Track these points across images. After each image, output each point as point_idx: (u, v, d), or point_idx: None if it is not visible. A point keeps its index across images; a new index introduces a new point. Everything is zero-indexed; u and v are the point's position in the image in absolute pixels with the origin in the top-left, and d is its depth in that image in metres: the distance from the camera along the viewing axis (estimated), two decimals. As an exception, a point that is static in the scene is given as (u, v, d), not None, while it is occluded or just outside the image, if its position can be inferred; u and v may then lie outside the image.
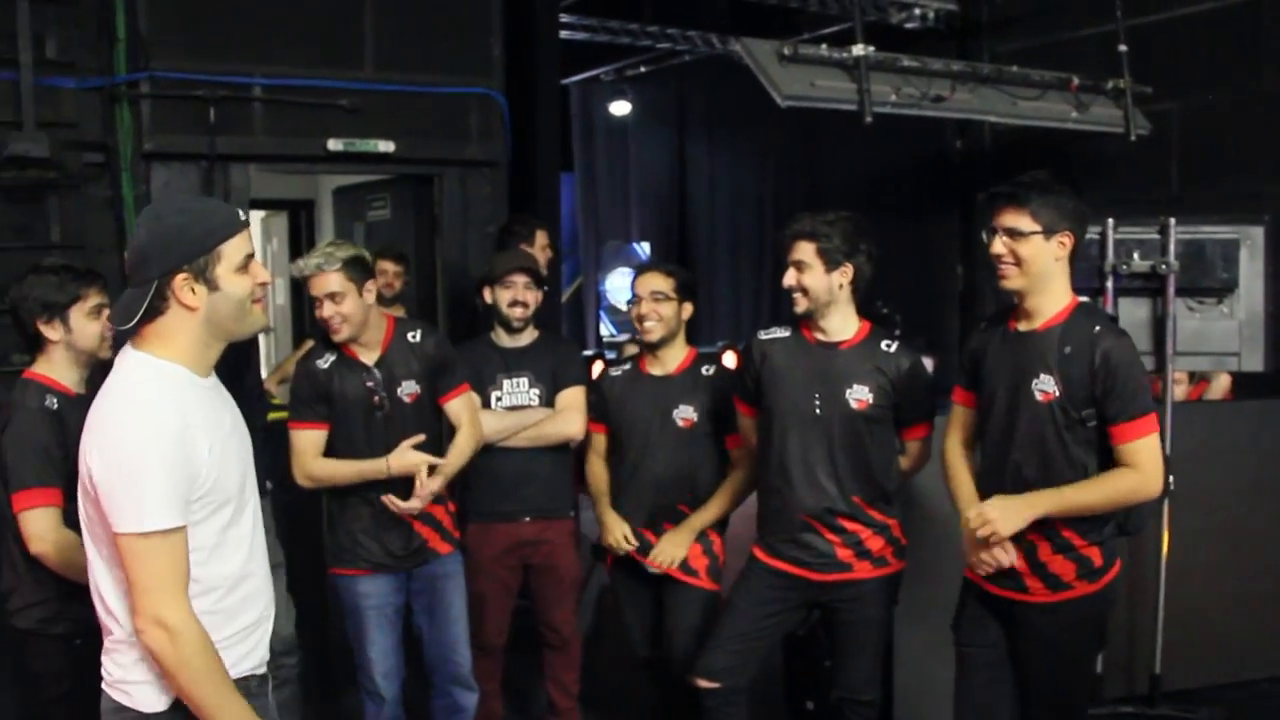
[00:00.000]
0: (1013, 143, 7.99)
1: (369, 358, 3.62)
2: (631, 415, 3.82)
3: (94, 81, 5.22)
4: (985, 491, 3.12)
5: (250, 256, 2.24)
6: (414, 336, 3.70)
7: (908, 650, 4.19)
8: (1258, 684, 4.80)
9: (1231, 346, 4.44)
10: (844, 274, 3.38)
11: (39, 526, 2.92)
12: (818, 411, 3.38)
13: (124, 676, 2.19)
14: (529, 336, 4.07)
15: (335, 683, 4.79)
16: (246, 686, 2.25)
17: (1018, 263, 2.97)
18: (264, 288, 2.27)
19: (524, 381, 4.01)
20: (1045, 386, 2.98)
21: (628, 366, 3.94)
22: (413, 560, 3.70)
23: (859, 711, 3.55)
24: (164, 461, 2.07)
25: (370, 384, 3.59)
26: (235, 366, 3.67)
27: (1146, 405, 2.95)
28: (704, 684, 3.48)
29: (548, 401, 4.02)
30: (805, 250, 3.36)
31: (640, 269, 3.89)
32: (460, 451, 3.71)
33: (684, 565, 3.76)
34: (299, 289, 9.09)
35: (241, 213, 2.28)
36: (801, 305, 3.40)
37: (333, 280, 3.50)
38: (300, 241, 9.07)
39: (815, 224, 3.36)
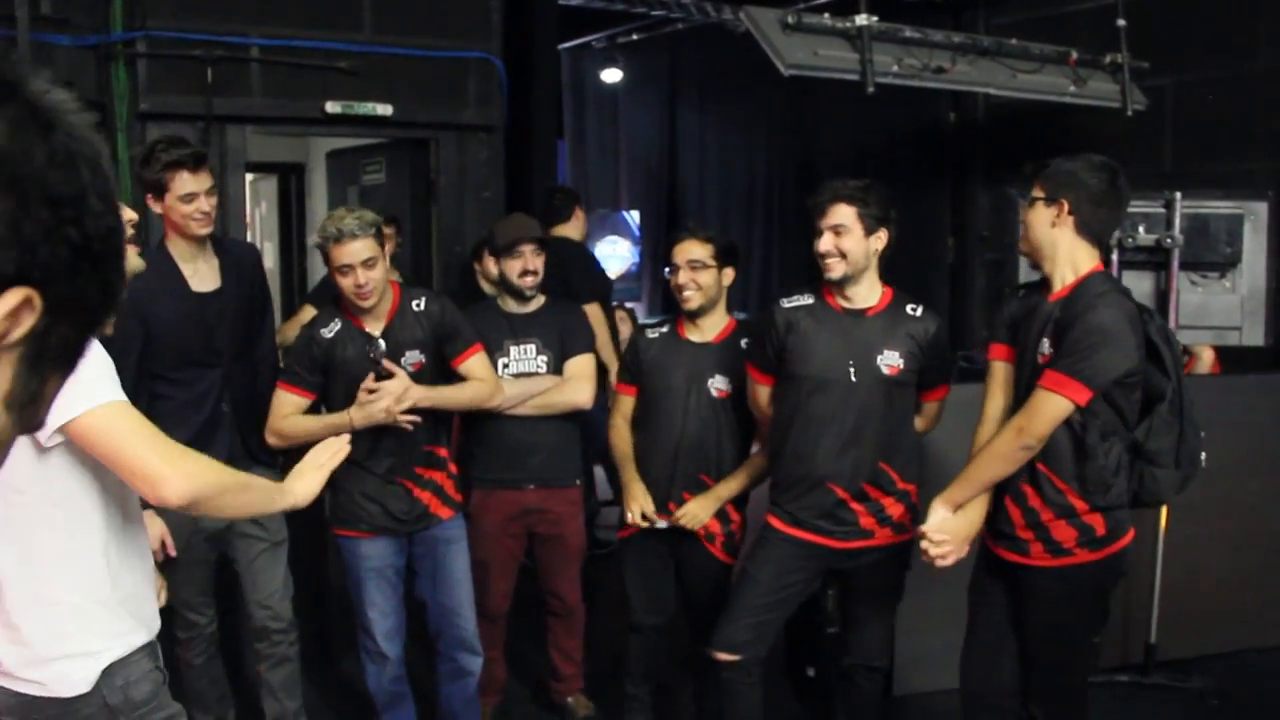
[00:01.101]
0: (1006, 116, 7.98)
1: (375, 327, 3.59)
2: (665, 380, 3.77)
3: (89, 39, 5.16)
4: None
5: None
6: (419, 305, 3.66)
7: (906, 619, 4.22)
8: (1246, 654, 4.86)
9: (1233, 320, 4.48)
10: (879, 239, 3.38)
11: None
12: (853, 379, 3.37)
13: (37, 655, 2.04)
14: (536, 303, 4.04)
15: (333, 649, 4.79)
16: (153, 648, 2.21)
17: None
18: (132, 225, 2.26)
19: (531, 348, 3.99)
20: (1044, 349, 3.03)
21: (665, 329, 3.88)
22: (414, 524, 3.69)
23: (870, 677, 3.58)
24: (94, 350, 2.03)
25: (373, 355, 3.55)
26: (246, 339, 3.65)
27: (1075, 370, 2.91)
28: (724, 657, 3.47)
29: (555, 369, 3.99)
30: (846, 214, 3.34)
31: (676, 236, 3.80)
32: (462, 390, 3.66)
33: (705, 533, 3.77)
34: (288, 252, 9.03)
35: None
36: (838, 270, 3.36)
37: (366, 246, 3.44)
38: (290, 206, 8.99)
39: (854, 188, 3.34)
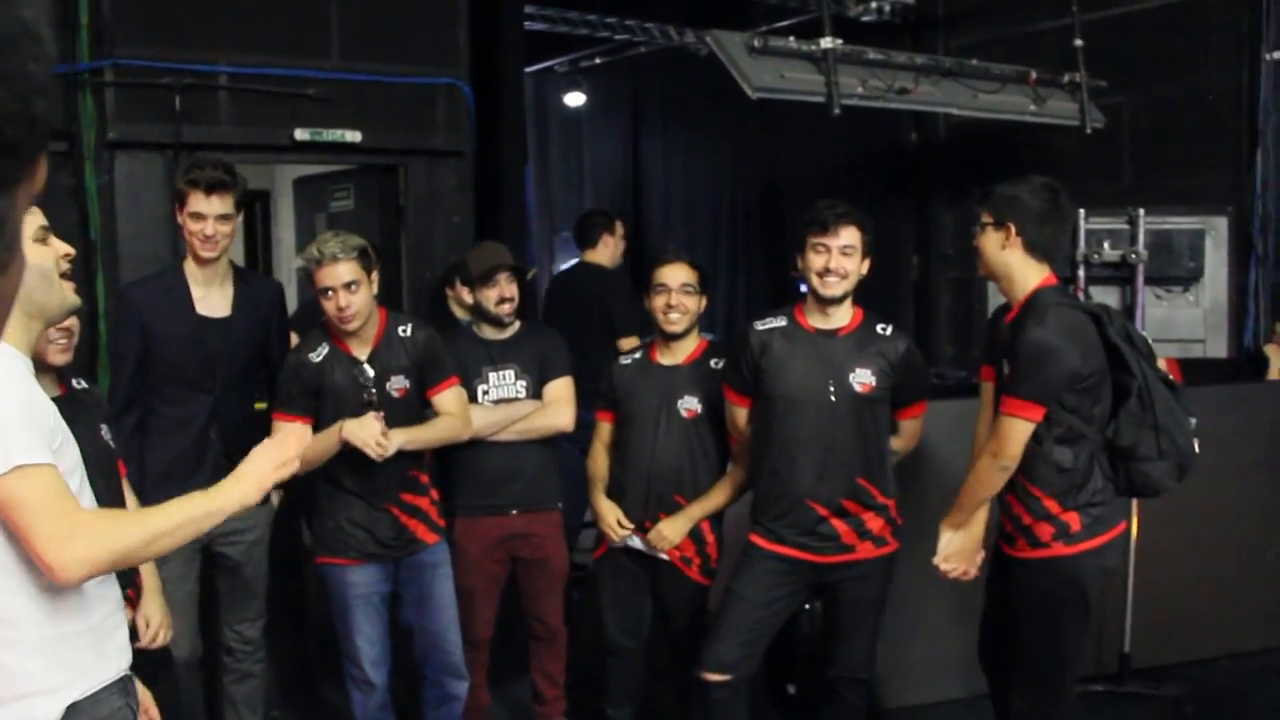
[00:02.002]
0: (967, 135, 8.10)
1: (361, 352, 3.60)
2: (638, 403, 3.83)
3: (57, 68, 5.13)
4: None
5: (47, 229, 2.17)
6: (404, 330, 3.68)
7: (890, 633, 4.25)
8: (1220, 661, 4.94)
9: (1197, 333, 4.57)
10: (866, 264, 3.51)
11: None
12: (827, 398, 3.43)
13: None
14: (512, 328, 4.06)
15: (313, 676, 4.77)
16: (124, 685, 2.14)
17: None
18: (68, 260, 2.20)
19: (510, 374, 4.00)
20: (1005, 370, 3.25)
21: (639, 355, 3.94)
22: (400, 550, 3.68)
23: (854, 690, 3.62)
24: (16, 400, 1.99)
25: (361, 379, 3.56)
26: (245, 370, 3.65)
27: (1024, 392, 3.14)
28: (714, 678, 3.50)
29: (535, 393, 4.01)
30: (854, 236, 3.45)
31: (666, 259, 3.87)
32: (436, 428, 3.68)
33: (680, 554, 3.79)
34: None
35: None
36: (839, 289, 3.45)
37: (349, 269, 3.47)
38: (255, 235, 8.95)
39: (863, 213, 3.48)
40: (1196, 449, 3.28)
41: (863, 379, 3.46)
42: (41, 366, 2.88)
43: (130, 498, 3.14)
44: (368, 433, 3.44)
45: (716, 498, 3.79)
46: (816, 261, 3.43)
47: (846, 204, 3.49)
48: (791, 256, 3.56)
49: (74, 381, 3.06)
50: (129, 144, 5.19)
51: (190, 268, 3.57)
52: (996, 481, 3.24)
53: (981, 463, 3.24)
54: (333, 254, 3.46)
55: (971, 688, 4.43)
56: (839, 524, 3.48)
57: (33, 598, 1.99)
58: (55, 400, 2.90)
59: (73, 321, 2.96)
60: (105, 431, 3.06)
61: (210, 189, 3.45)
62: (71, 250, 2.17)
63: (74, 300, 2.23)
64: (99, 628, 2.10)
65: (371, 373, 3.56)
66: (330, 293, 3.48)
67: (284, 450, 2.23)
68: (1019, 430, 3.14)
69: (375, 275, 3.58)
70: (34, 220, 2.13)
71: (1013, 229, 3.23)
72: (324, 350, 3.60)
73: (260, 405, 3.84)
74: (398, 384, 3.61)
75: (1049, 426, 3.17)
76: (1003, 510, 3.36)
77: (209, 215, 3.46)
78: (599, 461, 3.96)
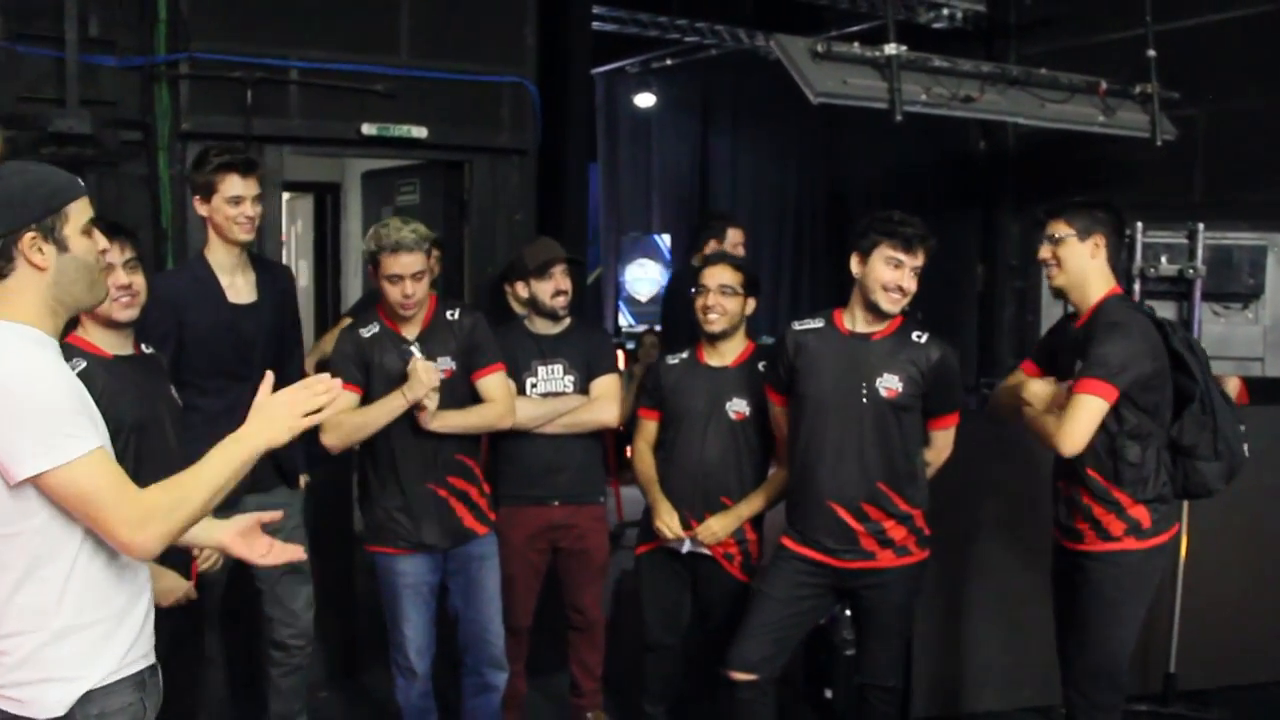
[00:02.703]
0: (1036, 145, 8.00)
1: (410, 333, 3.69)
2: (685, 404, 3.86)
3: (134, 60, 5.28)
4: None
5: (93, 222, 2.14)
6: (452, 314, 3.76)
7: (924, 641, 4.25)
8: (1268, 686, 4.84)
9: (1255, 351, 4.50)
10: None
11: None
12: (852, 400, 3.45)
13: (14, 679, 2.03)
14: (564, 324, 4.12)
15: (357, 661, 4.86)
16: (140, 680, 2.15)
17: (1058, 262, 3.48)
18: (104, 254, 2.20)
19: (559, 368, 4.06)
20: (1077, 370, 3.34)
21: (685, 355, 3.97)
22: (450, 540, 3.74)
23: (881, 697, 3.62)
24: (64, 386, 2.02)
25: (406, 359, 3.64)
26: (277, 356, 3.71)
27: (1099, 373, 3.24)
28: (740, 677, 3.54)
29: (582, 388, 4.07)
30: (922, 260, 3.51)
31: (709, 260, 3.92)
32: (474, 413, 3.72)
33: (722, 550, 3.82)
34: (323, 271, 9.16)
35: (80, 180, 2.18)
36: (899, 307, 3.52)
37: (418, 260, 3.58)
38: (325, 225, 9.13)
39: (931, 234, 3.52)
40: (1246, 453, 3.45)
41: (889, 384, 3.47)
42: (110, 324, 3.09)
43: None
44: (430, 376, 3.52)
45: (763, 497, 3.83)
46: (887, 275, 3.44)
47: (922, 223, 3.52)
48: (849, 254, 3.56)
49: (144, 346, 3.23)
50: (201, 135, 5.32)
51: (215, 256, 3.59)
52: (1044, 441, 3.36)
53: (1048, 425, 3.33)
54: (408, 245, 3.56)
55: (1009, 699, 4.42)
56: (859, 528, 3.49)
57: (57, 587, 2.04)
58: (129, 360, 3.12)
59: (136, 280, 3.11)
60: (173, 390, 3.25)
61: (245, 170, 3.52)
62: (108, 245, 2.21)
63: (122, 316, 2.37)
64: (121, 616, 2.13)
65: (419, 353, 3.63)
66: (397, 280, 3.57)
67: (312, 395, 2.25)
68: (1092, 408, 3.23)
69: (436, 265, 3.67)
70: (84, 212, 2.12)
71: (1102, 240, 3.41)
72: (374, 329, 3.69)
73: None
74: (443, 365, 3.68)
75: (1120, 422, 3.32)
76: (1069, 506, 3.46)
77: (247, 196, 3.52)
78: (647, 460, 3.99)
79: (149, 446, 3.05)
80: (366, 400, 3.68)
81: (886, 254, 3.43)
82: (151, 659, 2.20)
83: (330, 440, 3.65)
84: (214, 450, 2.18)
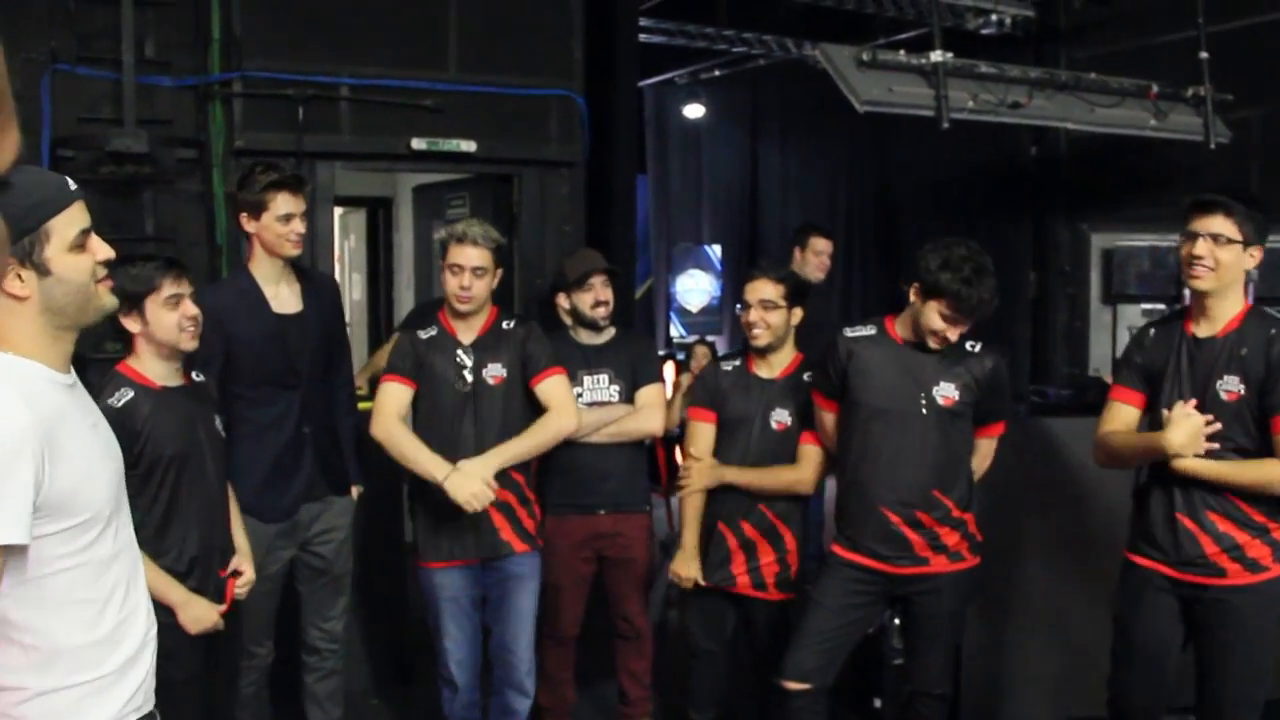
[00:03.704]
0: (1089, 150, 7.93)
1: (467, 338, 3.75)
2: (734, 411, 3.89)
3: (189, 80, 5.40)
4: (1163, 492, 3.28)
5: (87, 231, 1.92)
6: (509, 324, 3.82)
7: (974, 649, 4.22)
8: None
9: (1310, 357, 4.41)
10: None
11: None
12: (909, 409, 3.45)
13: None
14: (608, 334, 4.16)
15: (410, 668, 4.91)
16: None
17: (1215, 266, 3.17)
18: (105, 263, 1.97)
19: (604, 378, 4.10)
20: (1230, 386, 3.16)
21: (737, 363, 3.98)
22: (484, 551, 3.76)
23: (931, 705, 3.61)
24: (13, 463, 1.74)
25: (458, 359, 3.70)
26: (325, 365, 3.79)
27: None
28: (794, 686, 3.54)
29: (627, 398, 4.10)
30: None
31: (750, 275, 3.93)
32: (530, 435, 3.73)
33: (755, 580, 3.83)
34: (375, 284, 9.28)
35: (71, 182, 1.94)
36: (943, 346, 3.49)
37: (482, 256, 3.67)
38: (378, 239, 9.25)
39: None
40: None
41: (946, 393, 3.47)
42: (173, 355, 3.15)
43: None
44: (466, 492, 3.56)
45: (769, 475, 3.83)
46: (936, 324, 3.40)
47: (989, 283, 3.37)
48: (904, 272, 3.55)
49: (194, 374, 3.28)
50: (255, 152, 5.42)
51: (259, 269, 3.66)
52: (1272, 490, 3.15)
53: (1273, 472, 3.12)
54: (473, 237, 3.66)
55: (1059, 711, 4.37)
56: (912, 535, 3.48)
57: (41, 651, 1.86)
58: (178, 390, 3.17)
59: (196, 310, 3.17)
60: (218, 422, 3.30)
61: (296, 188, 3.60)
62: (111, 253, 1.97)
63: (110, 303, 2.03)
64: (113, 674, 1.94)
65: (467, 360, 3.70)
66: (457, 269, 3.65)
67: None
68: None
69: (499, 272, 3.72)
70: (73, 225, 1.90)
71: (1260, 254, 3.21)
72: (433, 331, 3.77)
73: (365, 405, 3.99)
74: (494, 372, 3.73)
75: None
76: (1203, 534, 3.21)
77: (297, 214, 3.60)
78: (697, 500, 3.91)
79: (189, 478, 3.12)
80: (416, 400, 3.75)
81: (943, 310, 3.39)
82: (149, 708, 2.04)
83: (381, 436, 3.71)
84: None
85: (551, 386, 3.78)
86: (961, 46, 6.12)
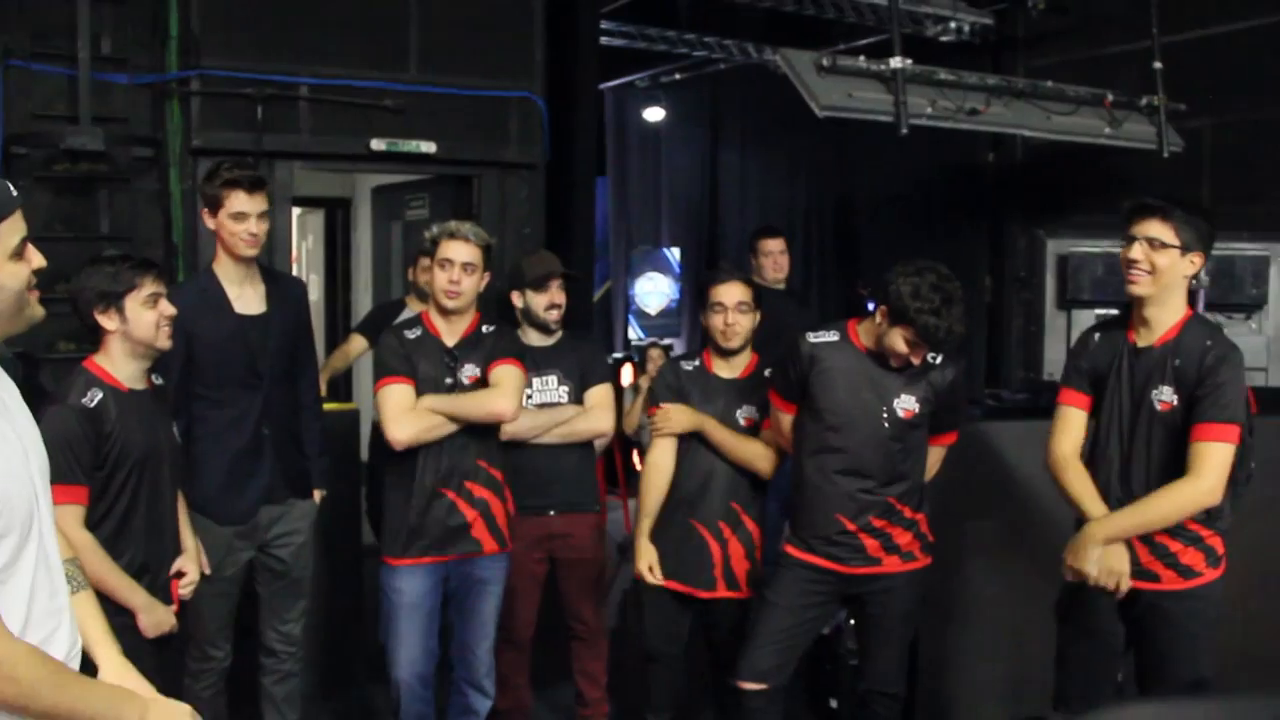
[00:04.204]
0: (1045, 157, 8.02)
1: (450, 340, 3.74)
2: (701, 412, 3.89)
3: (146, 78, 5.36)
4: (1108, 502, 3.24)
5: (25, 240, 1.86)
6: (488, 329, 3.82)
7: (928, 651, 4.26)
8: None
9: (1259, 361, 4.51)
10: None
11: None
12: (868, 418, 3.49)
13: None
14: (557, 336, 4.17)
15: (364, 671, 4.89)
16: None
17: (1151, 271, 3.14)
18: (37, 272, 1.90)
19: (553, 379, 4.10)
20: (1164, 396, 3.15)
21: (696, 363, 3.98)
22: (461, 548, 3.72)
23: (885, 704, 3.64)
24: None
25: (447, 361, 3.70)
26: (288, 367, 3.76)
27: (1231, 415, 3.05)
28: (750, 686, 3.56)
29: (575, 399, 4.11)
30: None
31: (722, 278, 3.92)
32: (468, 396, 3.68)
33: (705, 579, 3.85)
34: (333, 285, 9.23)
35: (12, 187, 1.89)
36: (902, 364, 3.50)
37: (473, 253, 3.67)
38: (335, 239, 9.20)
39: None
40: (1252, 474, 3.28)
41: (906, 405, 3.50)
42: (147, 355, 3.15)
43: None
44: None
45: (744, 444, 3.84)
46: (900, 348, 3.40)
47: (959, 314, 3.33)
48: (864, 279, 3.57)
49: (154, 377, 3.26)
50: (212, 151, 5.39)
51: (223, 269, 3.64)
52: (1192, 511, 3.12)
53: (1182, 490, 3.08)
54: (465, 234, 3.67)
55: (1011, 710, 4.42)
56: (865, 537, 3.52)
57: None
58: (144, 394, 3.16)
59: (173, 310, 3.16)
60: (175, 428, 3.29)
61: (252, 187, 3.56)
62: (43, 262, 1.90)
63: (39, 313, 1.94)
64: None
65: (451, 359, 3.71)
66: (448, 264, 3.65)
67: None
68: (1227, 456, 3.05)
69: (488, 275, 3.74)
70: (15, 233, 1.85)
71: (1201, 260, 3.18)
72: (417, 332, 3.76)
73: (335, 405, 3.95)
74: (470, 371, 3.73)
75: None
76: (1139, 544, 3.18)
77: (252, 214, 3.56)
78: (659, 485, 3.90)
79: (148, 482, 3.13)
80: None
81: (908, 337, 3.37)
82: None
83: (405, 436, 3.61)
84: (105, 684, 1.99)
85: (500, 372, 3.72)
86: (920, 53, 6.16)
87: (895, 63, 5.81)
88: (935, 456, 3.69)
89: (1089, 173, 7.26)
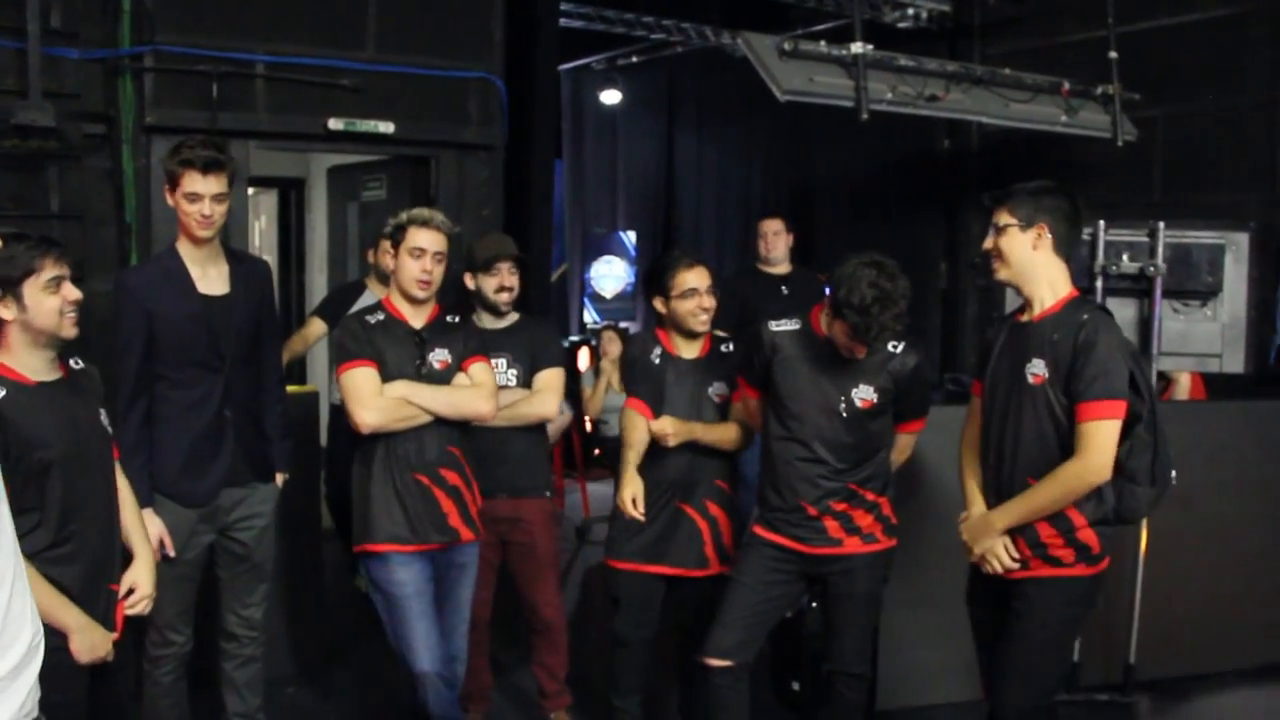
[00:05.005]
0: (999, 144, 8.10)
1: (416, 323, 3.70)
2: (674, 394, 3.89)
3: (97, 53, 5.25)
4: (988, 474, 3.30)
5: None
6: (452, 319, 3.78)
7: (891, 632, 4.30)
8: (1225, 675, 4.93)
9: (1214, 348, 4.56)
10: None
11: None
12: (827, 408, 3.52)
13: None
14: (509, 319, 4.13)
15: (327, 658, 4.85)
16: None
17: (1000, 255, 3.21)
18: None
19: (502, 362, 4.07)
20: (1036, 369, 3.14)
21: (659, 350, 3.96)
22: (447, 536, 3.68)
23: (849, 684, 3.66)
24: None
25: (415, 343, 3.66)
26: (251, 349, 3.68)
27: (1111, 390, 3.04)
28: (715, 663, 3.57)
29: (524, 382, 4.06)
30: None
31: (689, 262, 3.90)
32: (445, 390, 3.66)
33: (697, 557, 3.86)
34: (286, 266, 9.11)
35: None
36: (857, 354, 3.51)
37: (441, 242, 3.63)
38: (289, 220, 9.08)
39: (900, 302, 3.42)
40: (1174, 479, 3.25)
41: (864, 395, 3.52)
42: (51, 344, 2.85)
43: (122, 481, 3.09)
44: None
45: (721, 430, 3.86)
46: (844, 342, 3.44)
47: (887, 296, 3.30)
48: (819, 265, 3.57)
49: (72, 362, 2.97)
50: (166, 129, 5.29)
51: (185, 249, 3.56)
52: (1082, 491, 3.11)
53: (1070, 469, 3.08)
54: (437, 223, 3.63)
55: (974, 690, 4.47)
56: (828, 521, 3.57)
57: None
58: (56, 384, 2.86)
59: (79, 294, 2.89)
60: (104, 416, 3.00)
61: (206, 168, 3.47)
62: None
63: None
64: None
65: (421, 340, 3.67)
66: (419, 253, 3.60)
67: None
68: (1111, 432, 3.06)
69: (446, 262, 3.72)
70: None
71: (1045, 229, 3.17)
72: (380, 316, 3.70)
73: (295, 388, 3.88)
74: (440, 357, 3.69)
75: None
76: (1017, 538, 3.20)
77: (205, 195, 3.47)
78: (640, 425, 3.87)
79: (74, 482, 2.82)
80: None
81: (844, 329, 3.41)
82: (35, 713, 1.93)
83: (376, 420, 3.56)
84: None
85: (476, 370, 3.75)
86: (877, 39, 6.19)
87: (856, 48, 5.85)
88: (905, 444, 3.72)
89: (1043, 160, 7.32)
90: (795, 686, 4.43)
